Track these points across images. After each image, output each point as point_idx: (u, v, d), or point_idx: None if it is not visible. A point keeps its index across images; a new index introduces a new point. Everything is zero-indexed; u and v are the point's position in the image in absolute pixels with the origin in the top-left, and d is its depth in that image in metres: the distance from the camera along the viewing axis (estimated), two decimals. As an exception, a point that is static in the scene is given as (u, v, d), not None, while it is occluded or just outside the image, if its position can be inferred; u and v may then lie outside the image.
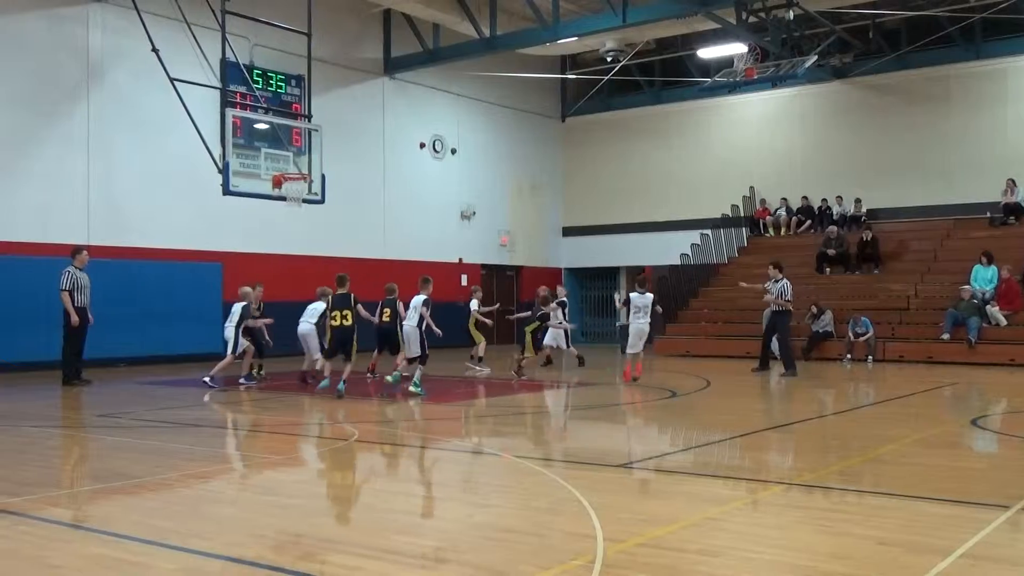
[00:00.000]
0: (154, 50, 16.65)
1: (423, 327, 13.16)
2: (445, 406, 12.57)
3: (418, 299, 13.29)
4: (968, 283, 20.06)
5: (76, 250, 14.95)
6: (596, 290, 29.53)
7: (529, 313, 16.94)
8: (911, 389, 14.38)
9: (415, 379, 12.97)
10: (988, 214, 22.96)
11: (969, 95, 23.79)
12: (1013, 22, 22.50)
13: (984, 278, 20.18)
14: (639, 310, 14.62)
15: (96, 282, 15.10)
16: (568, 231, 29.91)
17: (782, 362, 16.83)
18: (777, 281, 16.51)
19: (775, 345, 17.27)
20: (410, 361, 13.37)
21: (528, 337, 15.91)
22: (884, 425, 10.63)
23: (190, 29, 17.08)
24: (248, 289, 14.96)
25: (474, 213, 26.64)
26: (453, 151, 26.12)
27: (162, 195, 19.26)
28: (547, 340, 17.12)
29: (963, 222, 23.43)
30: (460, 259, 26.03)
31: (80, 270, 14.65)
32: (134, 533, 5.46)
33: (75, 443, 9.79)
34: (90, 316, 14.78)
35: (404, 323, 13.32)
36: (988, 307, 19.46)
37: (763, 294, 16.72)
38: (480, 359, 17.35)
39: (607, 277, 29.30)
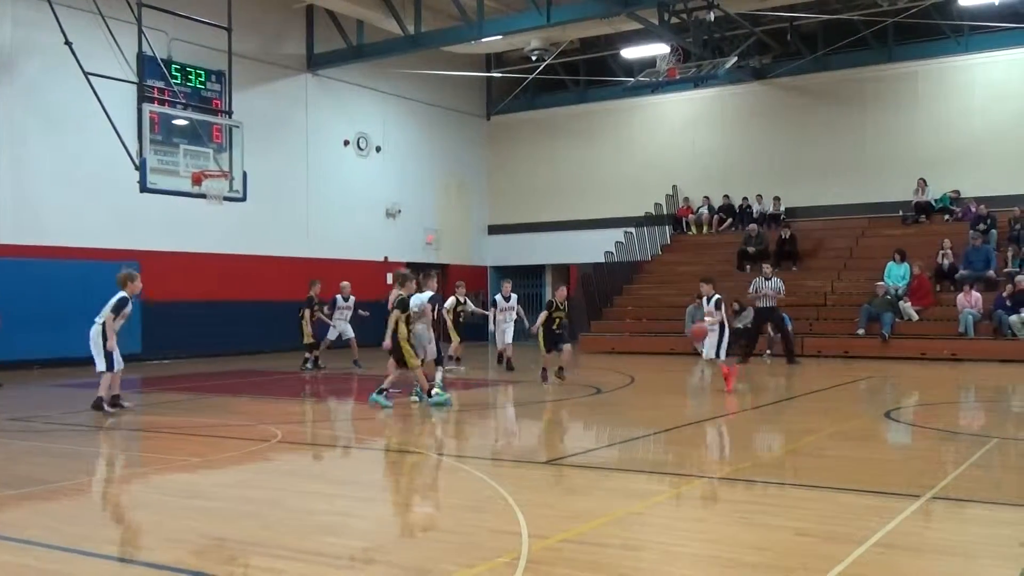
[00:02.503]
0: (67, 43, 16.19)
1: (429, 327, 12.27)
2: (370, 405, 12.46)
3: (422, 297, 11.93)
4: (882, 279, 20.68)
5: (-15, 250, 14.50)
6: (522, 288, 29.51)
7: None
8: (828, 383, 14.76)
9: (436, 383, 11.97)
10: (901, 213, 23.69)
11: (882, 97, 24.48)
12: (923, 27, 23.23)
13: (897, 275, 20.82)
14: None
15: (8, 282, 14.64)
16: (494, 229, 29.95)
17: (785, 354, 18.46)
18: (768, 279, 17.97)
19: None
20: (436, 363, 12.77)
21: (543, 335, 14.92)
22: (802, 418, 10.90)
23: (105, 22, 16.64)
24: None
25: (399, 211, 26.49)
26: (378, 149, 25.93)
27: (77, 193, 18.70)
28: (508, 338, 17.82)
29: (877, 220, 24.12)
30: (386, 257, 25.84)
31: (-11, 270, 14.20)
32: (48, 540, 5.31)
33: (-15, 448, 9.46)
34: (-2, 318, 14.34)
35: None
36: (901, 303, 20.09)
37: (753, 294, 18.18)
38: (457, 359, 17.09)
39: (532, 275, 29.41)
